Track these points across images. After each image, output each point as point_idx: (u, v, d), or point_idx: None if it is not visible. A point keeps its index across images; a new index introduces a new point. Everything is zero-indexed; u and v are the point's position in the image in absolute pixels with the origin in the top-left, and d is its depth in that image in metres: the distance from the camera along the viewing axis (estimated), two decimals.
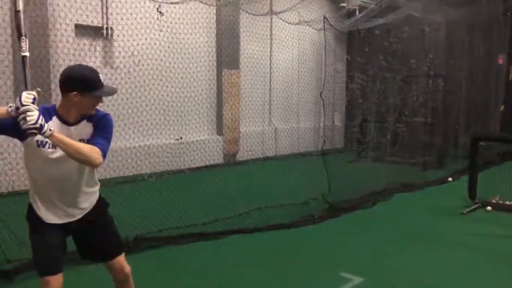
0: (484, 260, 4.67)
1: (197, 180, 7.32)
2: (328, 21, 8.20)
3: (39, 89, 2.26)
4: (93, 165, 2.41)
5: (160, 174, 8.16)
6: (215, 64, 9.85)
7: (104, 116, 2.57)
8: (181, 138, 8.94)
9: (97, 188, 2.70)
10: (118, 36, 7.68)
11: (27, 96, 2.16)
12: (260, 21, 10.23)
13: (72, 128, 2.47)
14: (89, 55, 7.39)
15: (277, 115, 11.32)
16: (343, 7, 11.16)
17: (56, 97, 5.93)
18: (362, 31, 10.66)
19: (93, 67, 2.57)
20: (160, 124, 8.46)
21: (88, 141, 2.46)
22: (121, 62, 7.55)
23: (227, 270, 4.31)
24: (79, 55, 7.01)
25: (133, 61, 7.69)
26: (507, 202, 6.66)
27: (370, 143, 10.37)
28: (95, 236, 2.69)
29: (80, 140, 2.44)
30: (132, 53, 7.54)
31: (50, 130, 2.21)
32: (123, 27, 7.38)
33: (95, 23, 7.74)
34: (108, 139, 2.50)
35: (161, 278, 4.09)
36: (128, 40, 7.44)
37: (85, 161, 2.37)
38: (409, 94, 10.41)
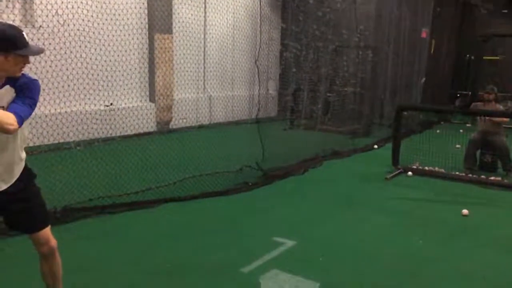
0: (404, 222, 5.06)
1: (129, 148, 7.11)
2: None
3: None
4: (6, 131, 2.21)
5: (89, 142, 7.83)
6: (146, 27, 9.43)
7: (30, 81, 2.38)
8: (111, 104, 8.58)
9: (23, 158, 2.55)
10: None
11: None
12: None
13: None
14: (6, 12, 6.75)
15: (211, 83, 11.18)
16: None
17: None
18: None
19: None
20: (88, 89, 8.04)
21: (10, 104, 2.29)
22: (43, 21, 7.00)
23: (161, 239, 4.29)
24: None
25: (58, 21, 7.16)
26: (426, 168, 7.19)
27: (302, 111, 10.61)
28: (20, 208, 2.55)
29: (0, 107, 2.25)
30: (56, 11, 7.01)
31: None
32: None
33: None
34: (28, 104, 2.32)
35: (90, 248, 3.99)
36: None
37: None
38: (340, 64, 10.71)
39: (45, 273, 2.74)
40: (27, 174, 2.60)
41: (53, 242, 2.67)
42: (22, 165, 2.56)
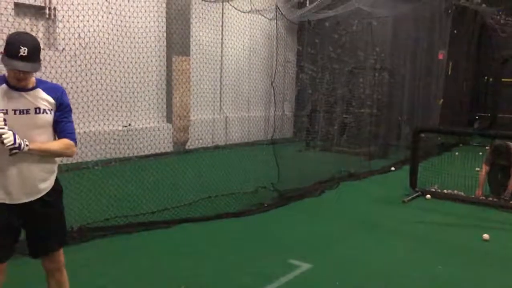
0: (422, 246, 4.95)
1: (146, 168, 7.18)
2: (280, 10, 8.24)
3: (1, 114, 2.26)
4: (70, 157, 2.52)
5: (107, 161, 7.93)
6: (165, 50, 9.64)
7: (64, 92, 2.54)
8: (129, 124, 8.71)
9: (52, 171, 2.53)
10: (63, 17, 7.32)
11: None
12: (212, 8, 10.12)
13: (25, 94, 2.38)
14: None
15: (227, 104, 11.29)
16: None
17: None
18: (312, 22, 10.81)
19: (35, 38, 2.45)
20: (107, 110, 8.17)
21: (57, 124, 2.46)
22: (66, 44, 7.21)
23: (176, 259, 4.29)
24: None
25: (80, 44, 7.36)
26: (445, 191, 7.06)
27: (318, 133, 10.60)
28: (41, 226, 2.52)
29: (36, 108, 2.37)
30: (79, 35, 7.21)
31: (27, 145, 2.28)
32: (68, 8, 7.03)
33: (37, 2, 7.34)
34: (72, 121, 2.56)
35: (105, 268, 4.00)
36: (74, 22, 7.10)
37: (61, 156, 2.50)
38: (356, 86, 10.72)
39: None
40: (58, 185, 2.60)
41: (63, 257, 2.70)
42: (50, 179, 2.52)
